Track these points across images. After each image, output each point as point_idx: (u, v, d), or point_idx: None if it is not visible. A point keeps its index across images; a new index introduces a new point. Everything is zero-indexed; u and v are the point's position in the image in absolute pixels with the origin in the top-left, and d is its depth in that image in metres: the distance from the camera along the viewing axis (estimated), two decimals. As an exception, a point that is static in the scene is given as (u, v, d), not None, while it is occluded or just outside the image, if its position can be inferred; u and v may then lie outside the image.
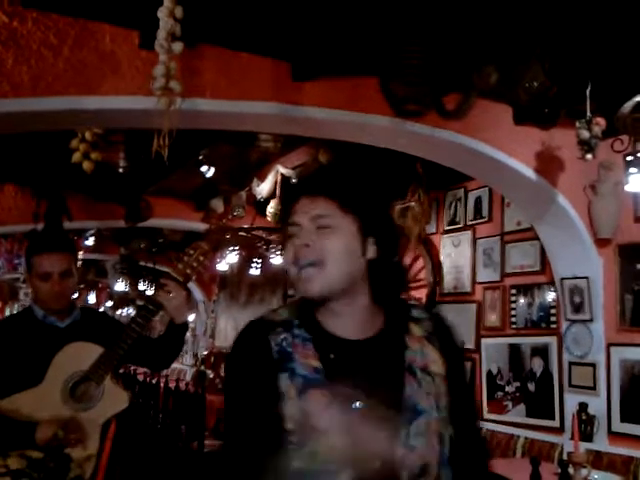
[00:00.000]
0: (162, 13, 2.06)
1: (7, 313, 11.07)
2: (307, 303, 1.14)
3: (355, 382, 1.06)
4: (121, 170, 4.67)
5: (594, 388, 3.51)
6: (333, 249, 1.09)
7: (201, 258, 2.22)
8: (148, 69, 2.25)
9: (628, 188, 3.10)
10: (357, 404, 1.05)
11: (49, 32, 2.44)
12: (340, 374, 1.07)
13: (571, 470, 2.44)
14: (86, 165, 3.37)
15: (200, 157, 4.19)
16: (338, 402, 1.04)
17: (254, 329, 1.15)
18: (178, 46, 2.09)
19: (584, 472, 2.67)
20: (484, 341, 4.32)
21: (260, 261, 6.44)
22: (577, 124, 2.83)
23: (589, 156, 2.84)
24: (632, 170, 2.97)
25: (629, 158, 2.98)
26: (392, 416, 1.06)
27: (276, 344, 1.10)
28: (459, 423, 1.12)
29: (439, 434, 1.07)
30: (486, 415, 4.19)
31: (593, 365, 3.54)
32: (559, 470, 2.32)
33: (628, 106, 2.61)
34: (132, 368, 6.95)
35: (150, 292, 8.27)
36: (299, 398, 1.04)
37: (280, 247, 6.01)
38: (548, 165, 3.36)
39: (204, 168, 4.26)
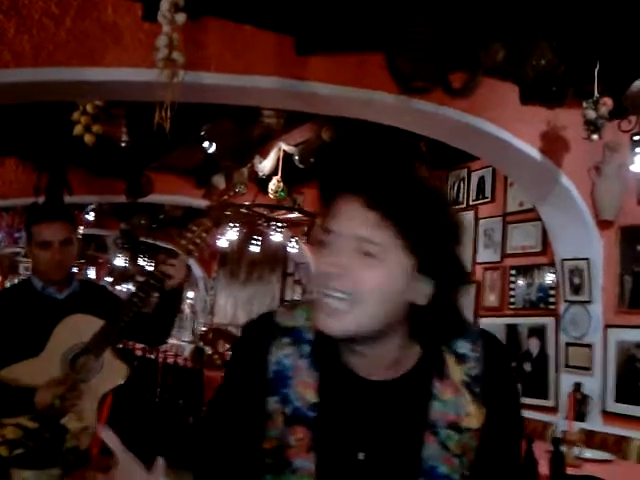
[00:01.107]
0: (166, -17, 2.03)
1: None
2: None
3: (363, 430, 0.91)
4: (123, 144, 4.63)
5: (590, 369, 3.54)
6: (374, 286, 0.84)
7: (204, 234, 2.21)
8: (151, 41, 2.22)
9: (633, 168, 3.08)
10: (360, 455, 0.90)
11: (51, 2, 2.41)
12: (343, 417, 0.91)
13: (564, 448, 2.48)
14: (87, 138, 3.35)
15: (202, 133, 4.16)
16: (332, 448, 0.90)
17: (256, 335, 0.96)
18: (181, 17, 2.07)
19: (577, 450, 2.72)
20: (482, 321, 4.34)
21: (260, 239, 6.44)
22: (584, 104, 2.80)
23: (595, 136, 2.82)
24: (638, 150, 2.95)
25: (636, 138, 2.96)
26: (402, 476, 0.90)
27: (276, 361, 0.92)
28: (487, 474, 0.92)
29: None
30: (483, 394, 4.22)
31: (589, 346, 3.56)
32: (552, 448, 2.35)
33: (637, 85, 2.58)
34: (131, 343, 7.00)
35: (150, 268, 8.29)
36: (284, 426, 0.91)
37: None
38: (553, 145, 3.34)
39: (206, 144, 4.23)
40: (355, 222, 0.85)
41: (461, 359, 0.92)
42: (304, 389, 0.91)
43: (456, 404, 0.90)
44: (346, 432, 0.91)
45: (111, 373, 2.06)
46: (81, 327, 2.07)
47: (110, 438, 0.89)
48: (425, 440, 0.90)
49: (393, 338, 0.90)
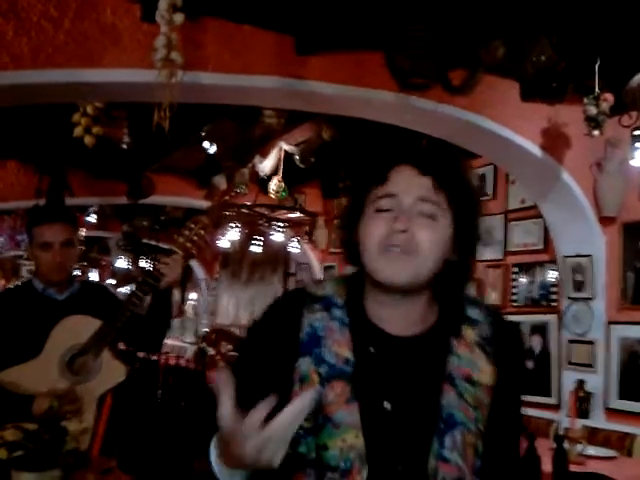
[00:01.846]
0: (164, -17, 2.03)
1: (10, 290, 11.09)
2: (359, 281, 1.04)
3: (389, 382, 0.99)
4: (124, 146, 4.64)
5: (592, 366, 3.53)
6: (431, 244, 0.97)
7: (201, 232, 2.21)
8: (149, 42, 2.22)
9: (634, 163, 3.07)
10: (387, 405, 0.97)
11: (49, 4, 2.41)
12: (374, 370, 0.99)
13: (566, 445, 2.47)
14: (88, 140, 3.34)
15: (202, 133, 4.16)
16: (365, 399, 0.97)
17: (289, 300, 1.06)
18: (179, 17, 2.06)
19: (579, 447, 2.71)
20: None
21: (262, 239, 6.44)
22: (585, 100, 2.79)
23: (596, 132, 2.81)
24: (638, 145, 2.94)
25: (636, 132, 2.95)
26: (425, 423, 0.97)
27: (308, 324, 1.01)
28: (497, 438, 1.02)
29: (475, 447, 0.99)
30: (486, 392, 4.21)
31: (592, 343, 3.55)
32: (555, 445, 2.34)
33: (637, 79, 2.57)
34: (134, 344, 7.01)
35: (151, 268, 8.26)
36: (320, 386, 0.96)
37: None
38: (554, 142, 3.33)
39: (206, 144, 4.23)
40: (415, 185, 0.99)
41: (473, 323, 1.04)
42: (338, 347, 0.99)
43: (470, 360, 1.01)
44: (375, 384, 0.98)
45: (110, 373, 2.06)
46: (79, 328, 2.06)
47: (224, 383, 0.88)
48: (444, 390, 0.99)
49: (424, 293, 1.03)
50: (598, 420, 3.44)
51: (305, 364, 0.98)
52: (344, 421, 0.96)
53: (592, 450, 2.86)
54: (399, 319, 1.02)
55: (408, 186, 1.00)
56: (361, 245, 1.02)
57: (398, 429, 0.97)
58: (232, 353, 7.05)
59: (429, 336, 1.02)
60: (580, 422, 3.18)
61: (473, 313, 1.05)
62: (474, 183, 1.08)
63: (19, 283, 2.88)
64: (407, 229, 0.97)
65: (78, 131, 3.32)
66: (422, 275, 0.99)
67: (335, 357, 0.99)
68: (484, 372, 1.01)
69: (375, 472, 0.94)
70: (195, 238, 2.20)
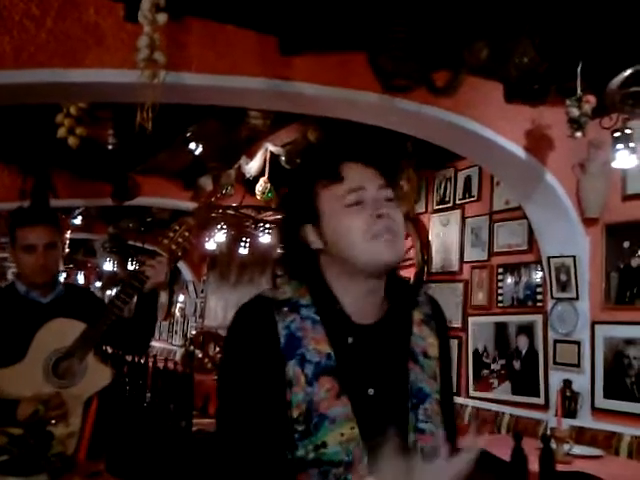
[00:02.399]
0: (146, -17, 2.02)
1: (-5, 292, 10.98)
2: (315, 280, 1.08)
3: (368, 368, 1.03)
4: (110, 147, 4.61)
5: (578, 365, 3.56)
6: (401, 224, 1.07)
7: (186, 234, 2.20)
8: (133, 42, 2.21)
9: (615, 165, 3.10)
10: (370, 391, 1.02)
11: (31, 3, 2.39)
12: (353, 360, 1.03)
13: (553, 445, 2.48)
14: (71, 141, 3.32)
15: (188, 134, 4.14)
16: (351, 390, 1.01)
17: (258, 308, 1.06)
18: (162, 17, 2.05)
19: (566, 447, 2.72)
20: (471, 320, 4.35)
21: (249, 240, 6.42)
22: (567, 102, 2.81)
23: (579, 134, 2.83)
24: (619, 146, 2.96)
25: (616, 134, 2.97)
26: (401, 402, 1.04)
27: (284, 327, 1.03)
28: (445, 402, 1.11)
29: (440, 415, 1.07)
30: (472, 393, 4.23)
31: (578, 343, 3.57)
32: (542, 445, 2.35)
33: (617, 81, 2.60)
34: (121, 347, 6.96)
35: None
36: (308, 385, 0.99)
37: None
38: (538, 143, 3.35)
39: (192, 145, 4.21)
40: (369, 176, 1.07)
41: (417, 304, 1.15)
42: (317, 344, 1.02)
43: (422, 337, 1.11)
44: (357, 373, 1.03)
45: (95, 377, 2.05)
46: (63, 331, 2.05)
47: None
48: (410, 367, 1.07)
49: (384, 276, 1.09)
50: (585, 419, 3.46)
51: (291, 367, 1.00)
52: (339, 415, 0.98)
53: (579, 449, 2.87)
54: (367, 307, 1.08)
55: (365, 178, 1.07)
56: (342, 242, 1.06)
57: (383, 413, 1.02)
58: (220, 356, 7.04)
59: (388, 320, 1.09)
60: (567, 422, 3.20)
61: (414, 295, 1.16)
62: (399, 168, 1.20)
63: (1, 286, 2.85)
64: (387, 214, 1.05)
65: (61, 132, 3.30)
66: (402, 253, 1.08)
67: (317, 354, 1.01)
68: (433, 346, 1.12)
69: (372, 460, 0.96)
70: (180, 240, 2.19)
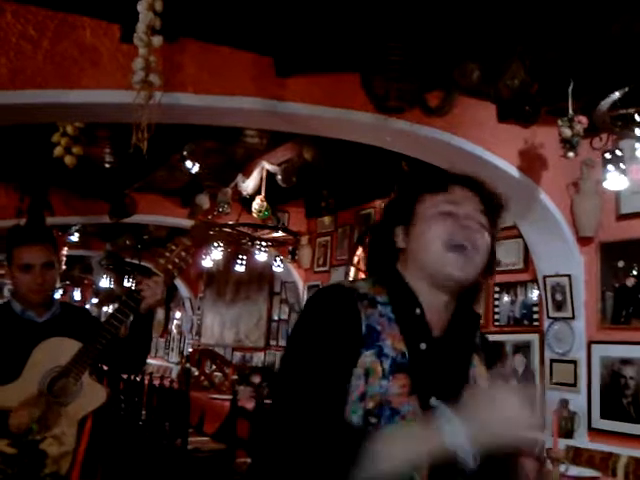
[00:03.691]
0: (142, 6, 2.05)
1: (-9, 309, 10.95)
2: (395, 282, 1.11)
3: (435, 379, 1.05)
4: (107, 165, 4.63)
5: (575, 385, 3.54)
6: (484, 249, 1.11)
7: (183, 254, 2.20)
8: (129, 63, 2.23)
9: (606, 185, 3.11)
10: (433, 401, 1.03)
11: (28, 25, 2.42)
12: (423, 365, 1.05)
13: (549, 466, 2.46)
14: (68, 160, 3.34)
15: (185, 153, 4.16)
16: (419, 393, 1.03)
17: (342, 294, 1.07)
18: (158, 40, 2.08)
19: (562, 468, 2.70)
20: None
21: (245, 258, 6.42)
22: (559, 122, 2.84)
23: (571, 154, 2.85)
24: (610, 168, 2.98)
25: (607, 156, 2.99)
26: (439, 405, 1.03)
27: (365, 317, 1.04)
28: None
29: None
30: (469, 412, 4.21)
31: (574, 362, 3.56)
32: (537, 466, 2.33)
33: (606, 103, 2.62)
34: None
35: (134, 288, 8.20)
36: (384, 379, 1.01)
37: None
38: (531, 163, 3.37)
39: (189, 164, 4.23)
40: (471, 199, 1.14)
41: (477, 328, 1.18)
42: (394, 341, 1.04)
43: (475, 364, 1.13)
44: (426, 380, 1.04)
45: (90, 396, 2.04)
46: (59, 350, 2.04)
47: None
48: (466, 389, 1.06)
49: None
50: (581, 440, 3.44)
51: (369, 357, 1.02)
52: (409, 413, 1.01)
53: (575, 470, 2.85)
54: (439, 318, 1.10)
55: (466, 198, 1.13)
56: (422, 244, 1.11)
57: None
58: (217, 373, 7.00)
59: (452, 337, 1.11)
60: (563, 442, 3.17)
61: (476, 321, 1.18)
62: (502, 214, 1.21)
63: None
64: (473, 229, 1.10)
65: (58, 151, 3.32)
66: (475, 274, 1.10)
67: (393, 350, 1.03)
68: (482, 376, 1.12)
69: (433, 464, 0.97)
70: (176, 260, 2.19)
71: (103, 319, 2.26)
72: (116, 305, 2.24)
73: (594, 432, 3.44)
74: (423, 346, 1.06)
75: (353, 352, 1.02)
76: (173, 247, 2.20)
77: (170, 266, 2.19)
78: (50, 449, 1.89)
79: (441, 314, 1.11)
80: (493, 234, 1.15)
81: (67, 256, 7.20)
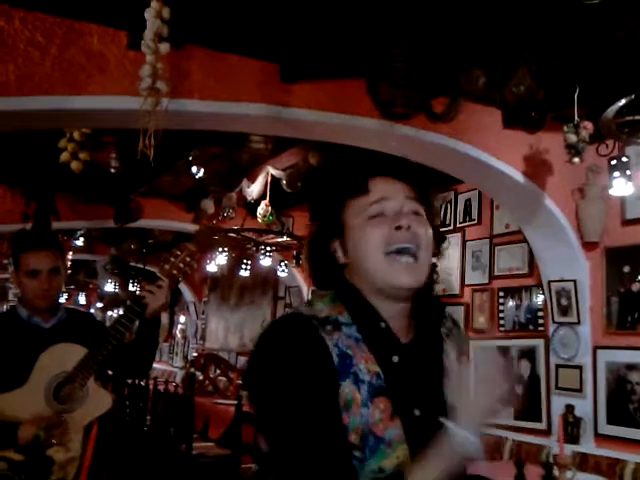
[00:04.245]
0: (149, 14, 2.06)
1: (-4, 313, 10.99)
2: (351, 295, 1.03)
3: (413, 388, 1.00)
4: (113, 171, 4.65)
5: (580, 390, 3.53)
6: (427, 239, 1.02)
7: (188, 259, 2.21)
8: (136, 69, 2.24)
9: (612, 192, 3.11)
10: (416, 412, 0.99)
11: (36, 31, 2.44)
12: (399, 379, 0.99)
13: (556, 472, 2.46)
14: (74, 165, 3.36)
15: (190, 158, 4.18)
16: (400, 411, 0.97)
17: (303, 325, 0.97)
18: (165, 47, 2.09)
19: (569, 474, 2.68)
20: (472, 343, 4.32)
21: (250, 263, 6.43)
22: (565, 128, 2.84)
23: (576, 160, 2.85)
24: (616, 174, 2.98)
25: (613, 162, 2.99)
26: (440, 423, 0.98)
27: (333, 345, 0.96)
28: None
29: None
30: (474, 417, 4.19)
31: (580, 367, 3.55)
32: (544, 472, 2.33)
33: (612, 110, 2.63)
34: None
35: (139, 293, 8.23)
36: (364, 407, 0.94)
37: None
38: (536, 168, 3.37)
39: (194, 169, 4.25)
40: (397, 188, 1.03)
41: (442, 319, 1.12)
42: (367, 363, 0.97)
43: (448, 352, 1.08)
44: (404, 393, 0.98)
45: (96, 402, 2.05)
46: (65, 356, 2.05)
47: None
48: (445, 384, 1.01)
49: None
50: (588, 446, 3.43)
51: (346, 387, 0.95)
52: (394, 437, 0.95)
53: (582, 477, 2.83)
54: (403, 324, 1.04)
55: (392, 190, 1.04)
56: (360, 255, 1.02)
57: (426, 434, 0.96)
58: (221, 378, 7.00)
59: (422, 338, 1.06)
60: (570, 448, 3.16)
61: (438, 312, 1.13)
62: (434, 187, 1.15)
63: (4, 310, 2.85)
64: (409, 225, 1.00)
65: (64, 157, 3.33)
66: (425, 275, 1.02)
67: (368, 373, 0.97)
68: (454, 360, 1.09)
69: None
70: (181, 265, 2.20)
71: (108, 323, 2.26)
72: (121, 310, 2.25)
73: (600, 438, 3.43)
74: (395, 359, 1.00)
75: (332, 387, 0.94)
76: (178, 252, 2.21)
77: (175, 271, 2.20)
78: (56, 455, 1.89)
79: (404, 319, 1.05)
80: (431, 213, 1.07)
81: (72, 260, 7.21)
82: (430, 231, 1.03)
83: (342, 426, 0.93)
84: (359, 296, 1.03)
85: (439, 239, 1.09)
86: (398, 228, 1.00)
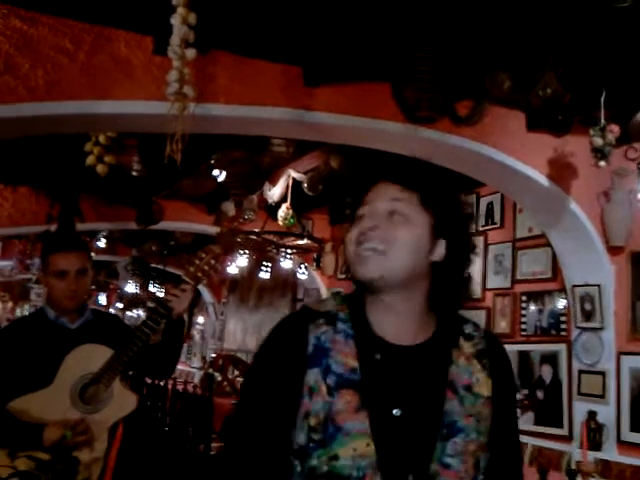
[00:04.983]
0: (176, 20, 2.07)
1: (18, 313, 11.18)
2: (358, 297, 1.09)
3: (395, 388, 1.02)
4: (135, 174, 4.70)
5: (603, 396, 3.49)
6: (401, 239, 1.04)
7: (212, 262, 2.23)
8: (162, 74, 2.26)
9: (640, 196, 3.08)
10: (395, 411, 1.01)
11: (65, 37, 2.48)
12: (380, 378, 1.02)
13: (579, 479, 2.43)
14: (100, 168, 3.40)
15: (212, 161, 4.20)
16: (373, 407, 1.00)
17: (294, 319, 1.11)
18: (191, 52, 2.10)
19: (593, 482, 2.66)
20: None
21: (270, 265, 6.46)
22: (591, 131, 2.81)
23: (602, 163, 2.82)
24: (645, 179, 2.94)
25: (642, 167, 2.96)
26: (430, 429, 1.01)
27: (315, 337, 1.04)
28: (499, 450, 1.06)
29: (476, 457, 1.02)
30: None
31: (603, 373, 3.51)
32: (567, 479, 2.30)
33: (641, 114, 2.59)
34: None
35: (160, 294, 8.31)
36: (329, 395, 1.00)
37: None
38: (561, 172, 3.34)
39: (216, 172, 4.27)
40: (386, 192, 1.08)
41: (468, 337, 1.10)
42: (345, 357, 1.03)
43: (469, 370, 1.06)
44: (382, 392, 1.01)
45: (121, 403, 2.07)
46: (91, 357, 2.08)
47: None
48: (447, 397, 1.03)
49: (417, 296, 1.07)
50: (610, 453, 3.38)
51: (313, 375, 1.01)
52: (354, 429, 0.98)
53: (605, 484, 2.81)
54: (398, 326, 1.07)
55: (380, 193, 1.09)
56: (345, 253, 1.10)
57: (406, 436, 1.00)
58: (239, 379, 7.03)
59: (429, 345, 1.07)
60: (592, 455, 3.12)
61: (468, 328, 1.12)
62: (455, 191, 1.15)
63: (32, 310, 2.90)
64: (375, 226, 1.05)
65: (90, 160, 3.37)
66: (394, 271, 1.03)
67: (342, 367, 1.02)
68: (482, 383, 1.06)
69: (387, 479, 0.97)
70: (206, 268, 2.22)
71: (127, 323, 2.29)
72: (141, 311, 2.27)
73: (623, 445, 3.38)
74: (377, 356, 1.04)
75: (297, 372, 1.02)
76: (203, 255, 2.23)
77: (199, 273, 2.22)
78: (82, 456, 1.92)
79: (396, 318, 1.07)
80: (439, 212, 1.07)
81: (94, 261, 7.30)
82: (412, 232, 1.05)
83: (294, 410, 1.01)
84: (358, 298, 1.10)
85: (456, 241, 1.09)
86: (371, 228, 1.05)
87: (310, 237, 5.26)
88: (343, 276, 6.09)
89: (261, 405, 1.05)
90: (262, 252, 5.57)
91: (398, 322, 1.07)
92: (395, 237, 1.04)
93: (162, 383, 6.55)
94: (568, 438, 3.67)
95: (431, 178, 1.12)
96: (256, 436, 1.03)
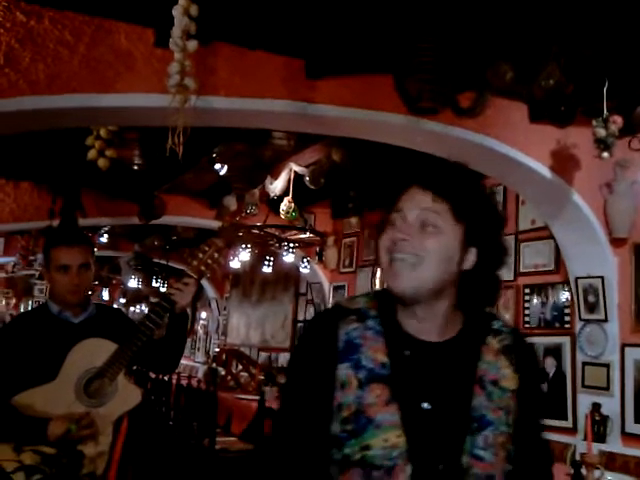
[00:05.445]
0: (177, 11, 2.07)
1: (21, 309, 11.20)
2: (388, 295, 1.11)
3: (424, 383, 1.06)
4: (136, 167, 4.69)
5: (607, 389, 3.48)
6: (432, 251, 1.05)
7: (215, 255, 2.23)
8: (163, 67, 2.25)
9: (644, 187, 3.06)
10: (425, 405, 1.05)
11: (65, 30, 2.46)
12: (410, 372, 1.06)
13: (584, 471, 2.43)
14: (101, 162, 3.39)
15: (213, 155, 4.20)
16: (403, 400, 1.04)
17: (325, 316, 1.18)
18: (193, 44, 2.09)
19: (597, 473, 2.65)
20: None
21: (272, 259, 6.45)
22: (594, 122, 2.80)
23: (605, 154, 2.81)
24: (649, 169, 2.93)
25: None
26: (459, 423, 1.05)
27: (345, 333, 1.08)
28: (525, 442, 1.09)
29: (507, 449, 1.05)
30: (498, 415, 4.16)
31: (607, 365, 3.50)
32: (572, 471, 2.30)
33: (646, 104, 2.58)
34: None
35: (163, 289, 8.32)
36: (359, 389, 1.04)
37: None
38: (563, 163, 3.33)
39: (217, 166, 4.27)
40: (418, 199, 1.08)
41: (496, 332, 1.13)
42: (375, 352, 1.06)
43: (496, 366, 1.09)
44: (412, 386, 1.05)
45: (126, 397, 2.07)
46: (95, 351, 2.08)
47: None
48: (475, 392, 1.07)
49: (443, 301, 1.09)
50: (615, 445, 3.38)
51: (343, 370, 1.05)
52: (385, 421, 1.02)
53: (610, 476, 2.80)
54: (427, 327, 1.10)
55: (412, 201, 1.09)
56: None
57: (436, 428, 1.04)
58: (243, 373, 7.04)
59: (457, 342, 1.10)
60: (596, 446, 3.12)
61: (496, 324, 1.14)
62: (487, 197, 1.15)
63: (36, 305, 2.90)
64: (407, 237, 1.06)
65: (92, 154, 3.36)
66: (426, 284, 1.06)
67: (372, 362, 1.06)
68: (509, 378, 1.09)
69: (418, 470, 1.00)
70: (209, 261, 2.21)
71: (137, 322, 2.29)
72: (144, 306, 2.27)
73: (628, 437, 3.38)
74: (407, 352, 1.07)
75: (329, 366, 1.06)
76: (206, 248, 2.23)
77: (203, 267, 2.22)
78: (87, 449, 1.92)
79: (430, 322, 1.09)
80: (472, 222, 1.07)
81: (96, 257, 7.31)
82: (443, 243, 1.06)
83: (328, 402, 1.05)
84: (388, 296, 1.12)
85: (487, 249, 1.09)
86: (403, 238, 1.06)
87: (312, 231, 5.25)
88: (346, 270, 6.14)
89: (299, 399, 1.11)
90: (264, 246, 5.57)
91: (424, 323, 1.10)
92: (426, 249, 1.05)
93: (166, 378, 6.56)
94: (572, 430, 3.66)
95: (464, 186, 1.11)
96: (297, 428, 1.09)
